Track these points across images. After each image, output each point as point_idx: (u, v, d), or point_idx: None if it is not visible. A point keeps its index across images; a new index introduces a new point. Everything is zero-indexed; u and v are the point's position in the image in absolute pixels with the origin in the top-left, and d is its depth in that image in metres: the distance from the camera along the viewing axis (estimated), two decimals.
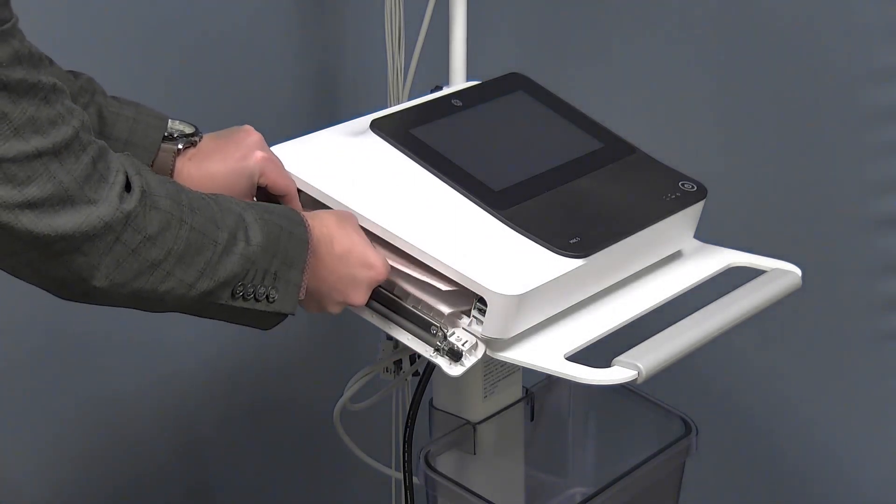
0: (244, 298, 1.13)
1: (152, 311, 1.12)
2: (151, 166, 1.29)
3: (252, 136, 1.30)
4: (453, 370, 1.24)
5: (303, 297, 1.19)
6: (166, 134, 1.30)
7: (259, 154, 1.28)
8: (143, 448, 1.92)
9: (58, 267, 1.02)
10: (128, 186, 1.04)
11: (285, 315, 1.18)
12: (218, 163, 1.29)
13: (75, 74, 1.30)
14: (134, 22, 1.76)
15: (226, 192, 1.27)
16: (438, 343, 1.24)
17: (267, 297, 1.15)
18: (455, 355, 1.23)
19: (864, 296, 1.89)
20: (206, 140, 1.31)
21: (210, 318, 1.16)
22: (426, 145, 1.35)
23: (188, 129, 1.31)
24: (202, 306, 1.12)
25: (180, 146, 1.29)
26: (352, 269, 1.22)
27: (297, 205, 1.31)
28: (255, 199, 1.30)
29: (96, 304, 1.07)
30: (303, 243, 1.17)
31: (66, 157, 0.99)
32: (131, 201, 1.03)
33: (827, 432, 1.96)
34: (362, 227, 1.26)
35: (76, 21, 1.70)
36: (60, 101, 1.00)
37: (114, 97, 1.31)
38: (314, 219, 1.21)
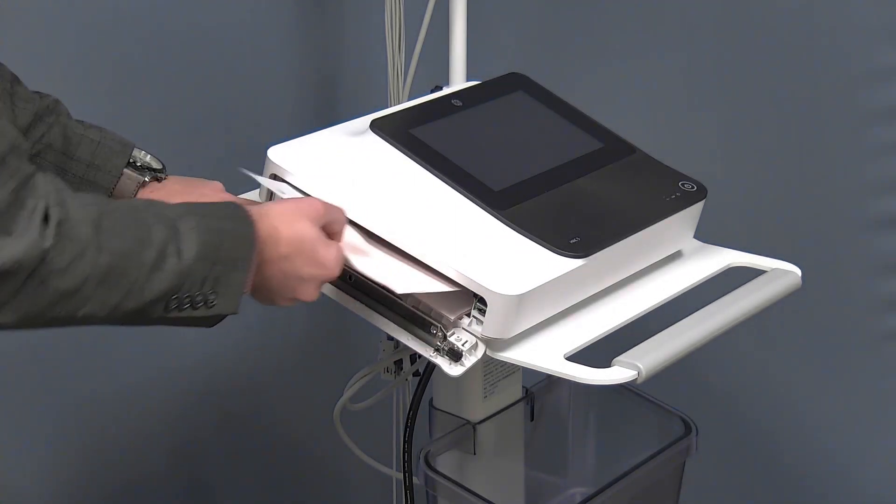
0: (179, 309, 1.08)
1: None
2: (112, 189, 1.31)
3: (218, 194, 1.32)
4: (453, 370, 1.24)
5: (247, 292, 1.13)
6: (130, 161, 1.32)
7: None
8: (142, 447, 1.92)
9: None
10: (47, 218, 0.97)
11: (226, 316, 1.12)
12: None
13: (41, 95, 1.31)
14: (134, 22, 1.76)
15: None
16: (438, 343, 1.24)
17: (206, 303, 1.09)
18: (455, 355, 1.23)
19: (864, 296, 1.89)
20: (172, 180, 1.35)
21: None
22: (426, 145, 1.35)
23: (156, 164, 1.34)
24: (131, 322, 1.06)
25: (146, 178, 1.33)
26: (299, 268, 1.16)
27: None
28: None
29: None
30: (248, 242, 1.11)
31: None
32: (48, 236, 0.96)
33: (827, 432, 1.96)
34: (359, 225, 1.27)
35: (76, 22, 1.70)
36: None
37: (79, 121, 1.32)
38: (262, 216, 1.14)
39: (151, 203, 1.08)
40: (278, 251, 1.14)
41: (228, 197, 1.32)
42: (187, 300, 1.07)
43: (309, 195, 1.29)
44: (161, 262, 1.04)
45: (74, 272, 0.98)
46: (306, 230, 1.16)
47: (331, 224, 1.19)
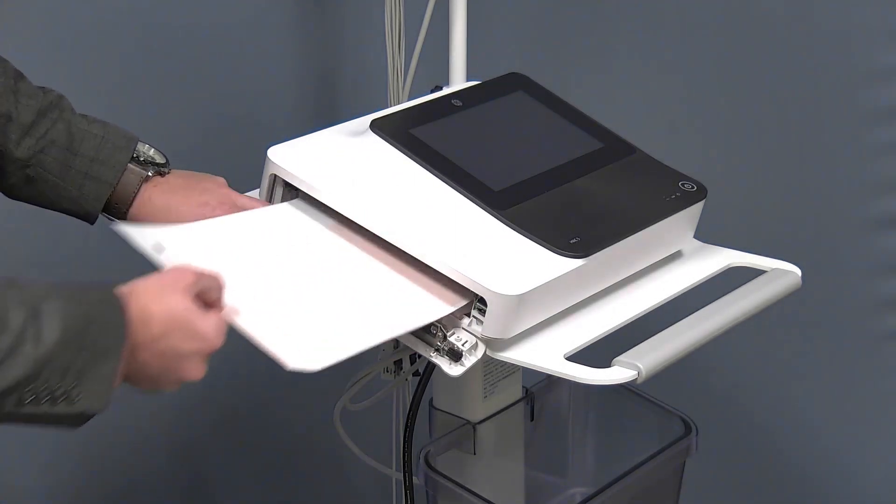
0: (36, 404, 0.97)
1: None
2: (116, 184, 1.31)
3: (220, 189, 1.32)
4: (453, 370, 1.24)
5: (116, 386, 1.02)
6: (134, 155, 1.32)
7: (221, 210, 1.29)
8: (142, 448, 1.92)
9: None
10: None
11: (93, 415, 1.01)
12: (179, 200, 1.31)
13: (45, 90, 1.31)
14: (134, 21, 1.76)
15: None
16: (438, 343, 1.24)
17: (67, 398, 0.98)
18: (455, 355, 1.23)
19: (864, 296, 1.89)
20: (175, 175, 1.34)
21: None
22: (426, 145, 1.35)
23: (159, 159, 1.33)
24: None
25: (150, 173, 1.32)
26: (177, 345, 1.06)
27: None
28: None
29: None
30: (119, 329, 1.01)
31: None
32: None
33: (827, 432, 1.96)
34: (362, 226, 1.26)
35: (76, 22, 1.70)
36: None
37: (83, 115, 1.32)
38: (131, 296, 1.04)
39: (12, 283, 0.98)
40: (151, 332, 1.04)
41: (226, 193, 1.32)
42: (45, 393, 0.97)
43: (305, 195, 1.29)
44: (17, 347, 0.95)
45: None
46: (178, 304, 1.06)
47: (205, 292, 1.09)
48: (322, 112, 1.97)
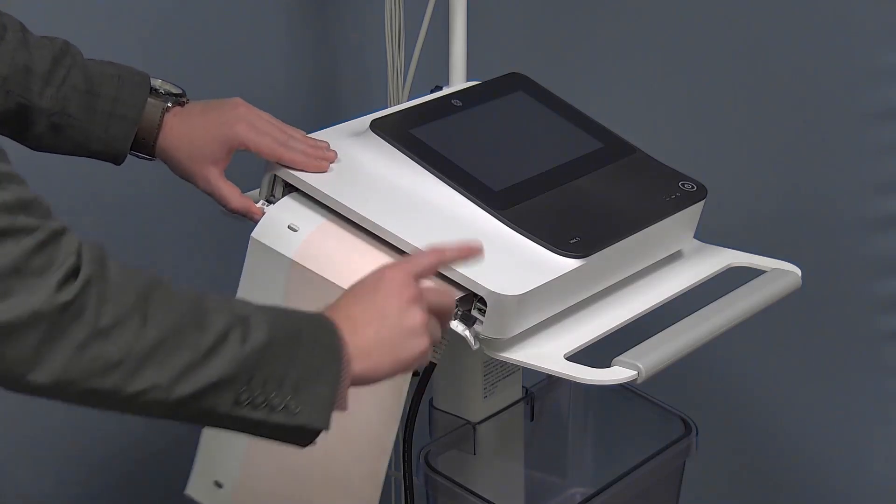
0: (252, 407, 0.97)
1: (128, 413, 0.97)
2: (140, 120, 1.32)
3: (238, 108, 1.33)
4: (460, 328, 1.22)
5: (341, 406, 1.01)
6: (152, 87, 1.33)
7: (239, 127, 1.30)
8: (142, 446, 1.92)
9: None
10: (76, 272, 0.91)
11: (317, 431, 1.01)
12: (199, 125, 1.32)
13: (50, 39, 1.31)
14: (134, 20, 1.76)
15: (200, 153, 1.30)
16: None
17: (285, 408, 0.98)
18: (468, 320, 1.22)
19: (863, 296, 1.89)
20: (194, 103, 1.35)
21: (217, 428, 1.00)
22: (426, 145, 1.35)
23: (175, 90, 1.34)
24: (200, 416, 0.97)
25: (169, 104, 1.33)
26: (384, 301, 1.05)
27: (282, 155, 1.31)
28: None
29: (48, 399, 0.94)
30: (333, 354, 1.01)
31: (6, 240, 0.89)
32: (70, 290, 0.90)
33: (826, 432, 1.96)
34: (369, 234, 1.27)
35: (75, 19, 1.70)
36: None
37: (90, 58, 1.33)
38: (338, 318, 1.03)
39: (205, 295, 0.98)
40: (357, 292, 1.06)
41: (245, 110, 1.33)
42: (261, 399, 0.97)
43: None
44: (220, 345, 0.95)
45: (117, 338, 0.92)
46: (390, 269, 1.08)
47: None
48: (322, 112, 1.97)
